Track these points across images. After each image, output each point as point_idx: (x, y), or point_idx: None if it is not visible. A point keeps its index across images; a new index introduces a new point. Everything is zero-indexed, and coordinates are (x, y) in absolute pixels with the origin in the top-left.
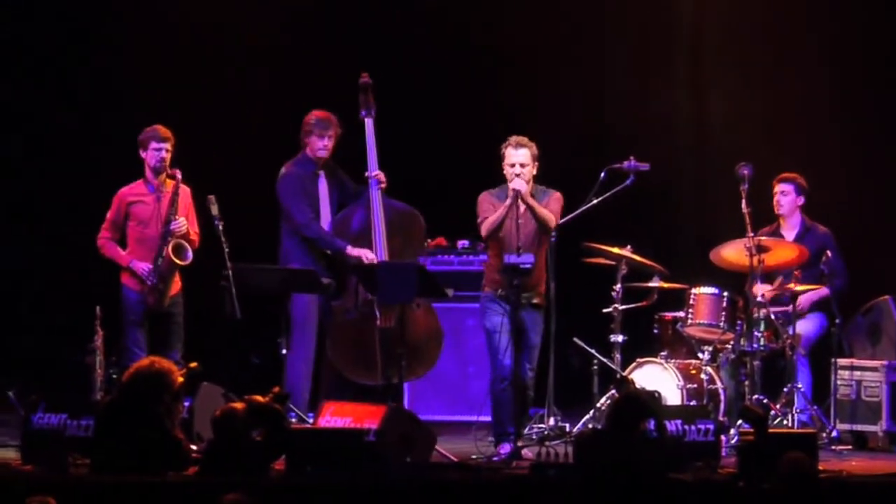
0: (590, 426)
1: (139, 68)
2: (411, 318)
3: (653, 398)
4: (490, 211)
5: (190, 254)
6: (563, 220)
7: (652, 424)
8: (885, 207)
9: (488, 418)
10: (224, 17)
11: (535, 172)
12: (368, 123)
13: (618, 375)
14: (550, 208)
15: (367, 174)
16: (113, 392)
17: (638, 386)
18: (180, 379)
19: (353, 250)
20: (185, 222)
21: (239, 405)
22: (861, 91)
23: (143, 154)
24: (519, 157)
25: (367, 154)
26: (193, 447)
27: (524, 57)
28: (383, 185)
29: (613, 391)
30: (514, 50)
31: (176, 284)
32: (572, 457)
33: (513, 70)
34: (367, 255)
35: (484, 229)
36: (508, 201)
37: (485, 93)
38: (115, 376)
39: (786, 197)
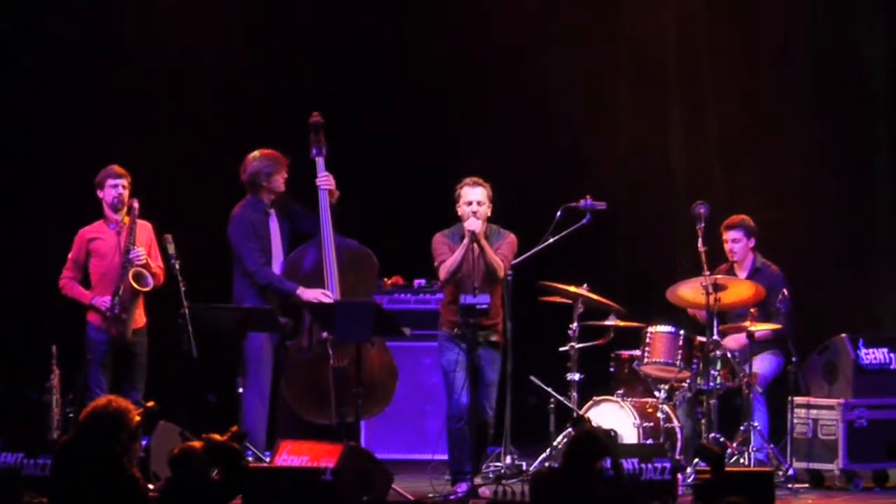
0: (546, 464)
1: (93, 110)
2: (366, 357)
3: (608, 436)
4: (447, 253)
5: (150, 281)
6: (518, 260)
7: (608, 463)
8: (841, 245)
9: (445, 457)
10: (176, 53)
11: (489, 213)
12: (320, 162)
13: (574, 414)
14: (501, 252)
15: (316, 182)
16: (70, 431)
17: (594, 424)
18: (137, 418)
19: (304, 292)
20: (144, 252)
21: (197, 444)
22: (816, 133)
23: (100, 194)
24: (476, 196)
25: (318, 194)
26: (150, 486)
27: (479, 95)
28: (332, 189)
29: (570, 429)
30: (468, 88)
31: (140, 318)
32: (528, 495)
33: (466, 108)
34: (321, 296)
35: (443, 272)
36: (465, 241)
37: (439, 132)
38: (71, 415)
39: (737, 244)
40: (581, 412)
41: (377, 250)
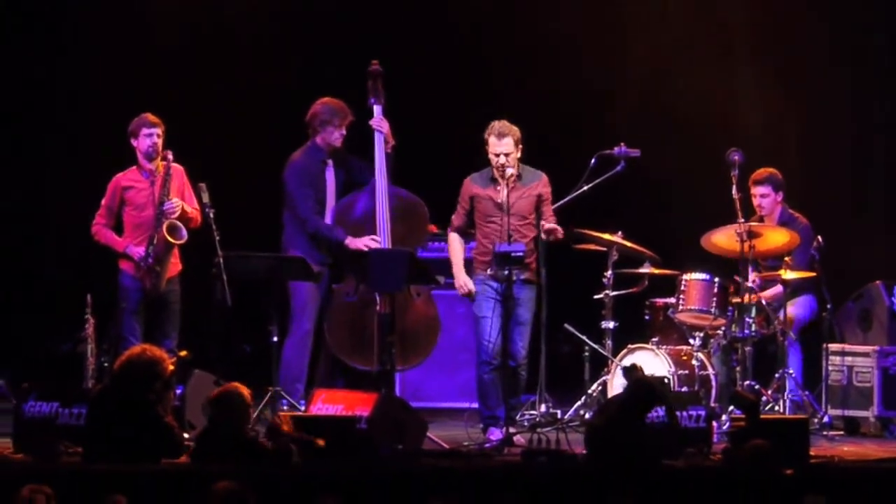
0: (596, 414)
1: (130, 57)
2: (410, 307)
3: (663, 384)
4: (462, 214)
5: (184, 233)
6: (554, 206)
7: (662, 411)
8: (875, 192)
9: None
10: (216, 3)
11: (519, 155)
12: (377, 110)
13: (611, 362)
14: (546, 203)
15: (370, 122)
16: (105, 380)
17: (647, 373)
18: (171, 367)
19: (352, 241)
20: (179, 203)
21: (239, 386)
22: (853, 84)
23: (133, 142)
24: (502, 147)
25: (374, 141)
26: (185, 435)
27: (518, 42)
28: (387, 136)
29: (605, 378)
30: (508, 34)
31: (175, 266)
32: (584, 446)
33: (506, 55)
34: (370, 242)
35: (448, 241)
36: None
37: (474, 78)
38: (106, 364)
39: (766, 199)
40: (616, 360)
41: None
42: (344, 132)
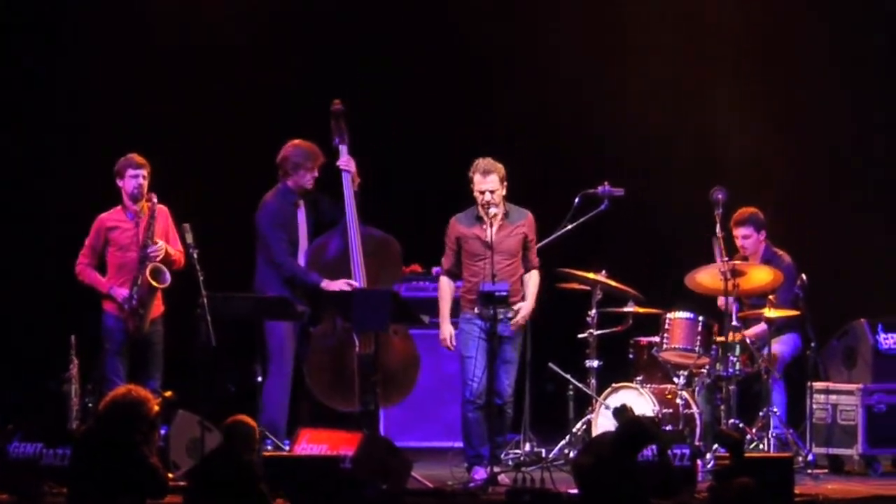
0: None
1: (113, 98)
2: (388, 345)
3: (654, 424)
4: (451, 256)
5: (168, 276)
6: (538, 245)
7: (653, 451)
8: (859, 230)
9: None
10: (198, 40)
11: (504, 193)
12: (343, 150)
13: (618, 405)
14: (531, 247)
15: (337, 164)
16: (89, 421)
17: (637, 413)
18: (156, 407)
19: (329, 284)
20: (162, 246)
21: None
22: (839, 120)
23: (119, 183)
24: (487, 185)
25: (341, 178)
26: (170, 475)
27: (499, 78)
28: (354, 174)
29: (589, 416)
30: (488, 72)
31: (158, 307)
32: (576, 486)
33: (485, 92)
34: (345, 286)
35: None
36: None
37: (454, 116)
38: (90, 405)
39: (748, 240)
40: (600, 399)
41: (394, 238)
42: (316, 174)
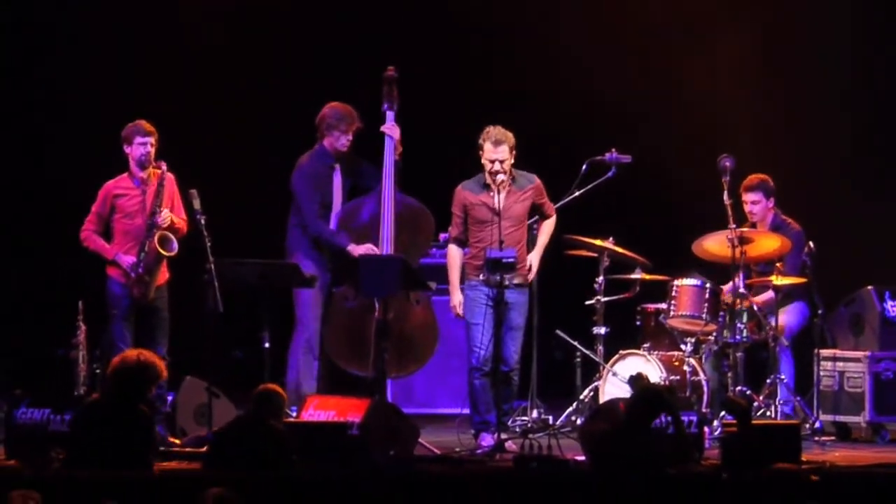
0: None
1: (123, 62)
2: (409, 314)
3: (670, 393)
4: (458, 224)
5: (175, 245)
6: None
7: (667, 419)
8: (867, 196)
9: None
10: (212, 6)
11: (513, 161)
12: (390, 116)
13: (633, 373)
14: (542, 204)
15: (381, 128)
16: (99, 386)
17: (652, 381)
18: (164, 372)
19: (355, 248)
20: (169, 214)
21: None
22: (846, 90)
23: (126, 149)
24: (498, 154)
25: (383, 143)
26: (176, 441)
27: (506, 46)
28: (397, 141)
29: (596, 383)
30: (497, 39)
31: (163, 275)
32: (584, 454)
33: (491, 59)
34: (370, 251)
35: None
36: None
37: (464, 82)
38: (98, 371)
39: (757, 206)
40: (607, 366)
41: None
42: (350, 138)
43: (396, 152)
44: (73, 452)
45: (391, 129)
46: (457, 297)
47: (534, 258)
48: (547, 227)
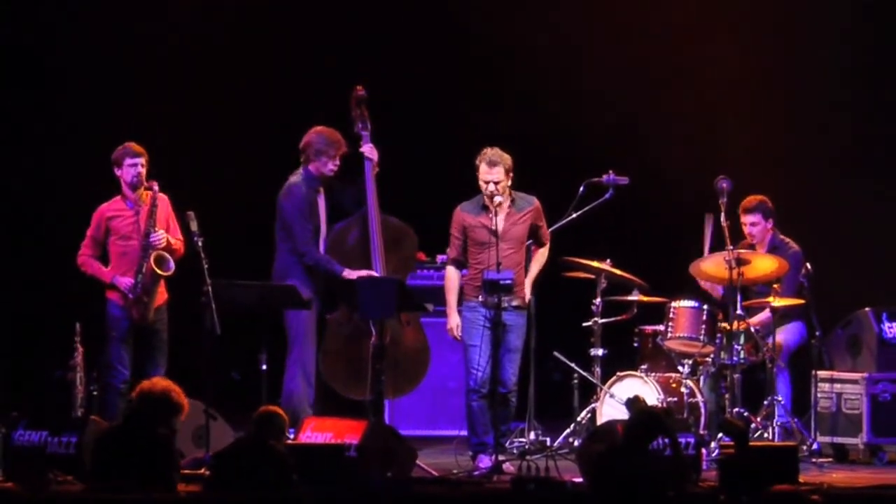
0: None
1: (112, 84)
2: (401, 336)
3: (667, 415)
4: (456, 246)
5: (172, 265)
6: None
7: (664, 441)
8: (863, 218)
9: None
10: (203, 27)
11: (510, 184)
12: (365, 136)
13: (631, 396)
14: (541, 230)
15: (360, 150)
16: (96, 408)
17: (650, 403)
18: (185, 400)
19: (350, 274)
20: (164, 234)
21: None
22: (842, 110)
23: (117, 172)
24: (493, 176)
25: (363, 165)
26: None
27: (503, 67)
28: (375, 162)
29: (594, 405)
30: (492, 60)
31: (161, 295)
32: (581, 475)
33: (489, 81)
34: (365, 277)
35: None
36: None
37: (461, 104)
38: (95, 393)
39: (756, 227)
40: (605, 387)
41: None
42: (338, 163)
43: (374, 172)
44: (97, 475)
45: (370, 151)
46: (454, 320)
47: (526, 287)
48: (540, 257)
